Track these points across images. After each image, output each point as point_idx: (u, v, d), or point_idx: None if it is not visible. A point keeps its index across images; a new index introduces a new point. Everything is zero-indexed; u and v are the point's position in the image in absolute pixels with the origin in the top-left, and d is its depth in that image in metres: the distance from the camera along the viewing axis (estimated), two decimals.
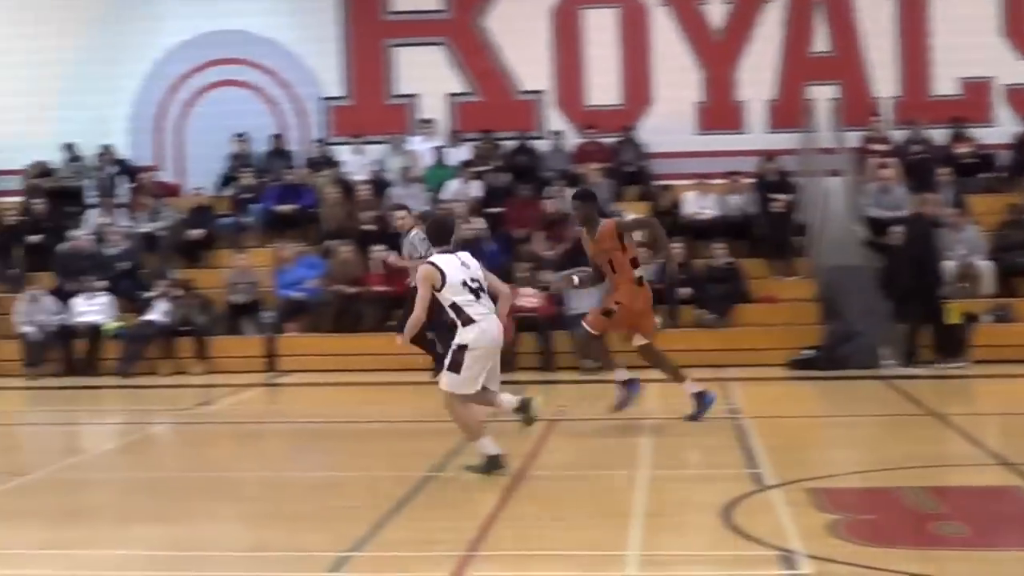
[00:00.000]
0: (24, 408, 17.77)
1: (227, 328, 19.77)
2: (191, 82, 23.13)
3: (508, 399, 10.39)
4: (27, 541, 8.65)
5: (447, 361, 10.20)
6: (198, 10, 22.97)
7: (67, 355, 19.45)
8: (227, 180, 22.39)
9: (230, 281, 20.12)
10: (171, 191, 22.55)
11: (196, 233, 21.19)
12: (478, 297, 10.15)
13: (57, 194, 21.93)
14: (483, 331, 10.06)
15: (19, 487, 10.61)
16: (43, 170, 22.38)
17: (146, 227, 21.22)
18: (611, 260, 12.44)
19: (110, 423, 15.84)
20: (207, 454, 12.68)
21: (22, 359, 19.40)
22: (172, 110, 23.20)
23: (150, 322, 19.31)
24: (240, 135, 22.49)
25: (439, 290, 10.05)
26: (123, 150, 22.78)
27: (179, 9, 23.05)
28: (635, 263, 12.50)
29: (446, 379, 10.17)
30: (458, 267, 10.12)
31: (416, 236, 14.30)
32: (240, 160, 22.43)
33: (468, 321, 10.07)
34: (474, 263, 10.30)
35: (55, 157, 22.59)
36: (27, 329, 19.40)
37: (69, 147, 22.58)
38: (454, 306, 10.09)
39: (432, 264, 10.12)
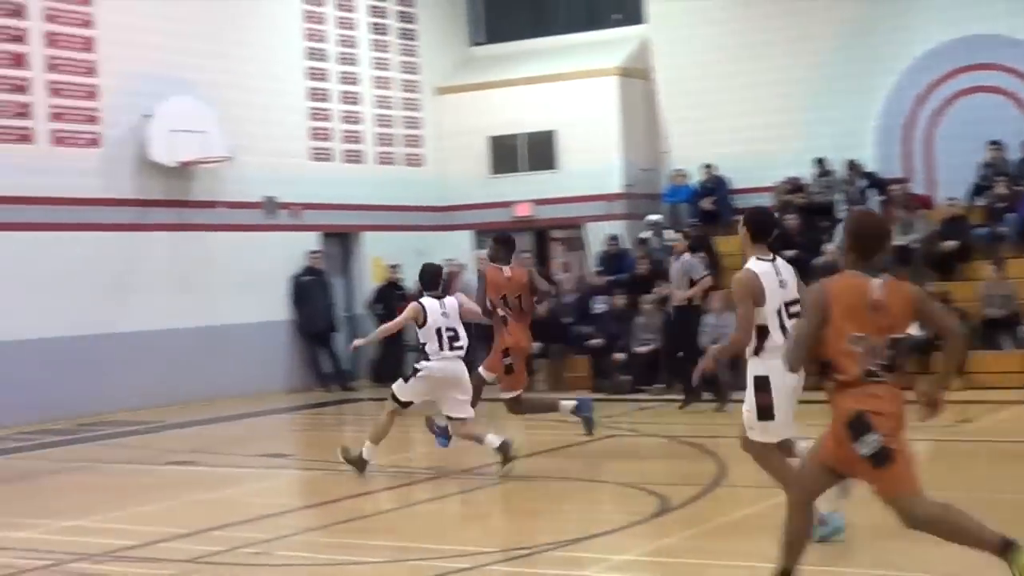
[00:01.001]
0: None
1: (984, 342, 19.11)
2: (939, 90, 22.66)
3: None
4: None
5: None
6: (948, 16, 22.48)
7: None
8: (980, 189, 21.69)
9: (985, 294, 19.44)
10: (923, 203, 22.13)
11: (949, 245, 20.65)
12: None
13: (808, 209, 22.20)
14: None
15: (779, 503, 10.77)
16: (795, 186, 22.77)
17: (899, 240, 20.98)
18: None
19: None
20: (963, 473, 12.25)
21: None
22: (920, 120, 22.83)
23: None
24: (994, 143, 21.70)
25: None
26: (870, 163, 22.71)
27: (929, 16, 22.69)
28: None
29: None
30: None
31: None
32: (994, 168, 21.64)
33: None
34: None
35: (805, 172, 22.92)
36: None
37: (819, 162, 22.83)
38: None
39: None
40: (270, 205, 22.63)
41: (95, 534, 10.34)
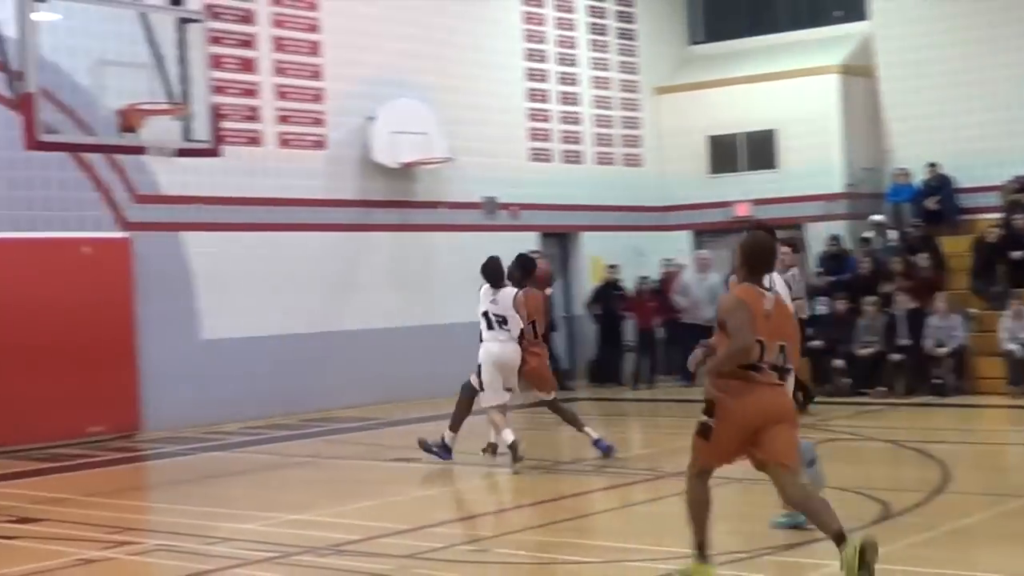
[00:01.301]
0: (1007, 427, 17.61)
1: None
2: None
3: None
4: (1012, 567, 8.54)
5: None
6: None
7: None
8: None
9: None
10: None
11: None
12: None
13: None
14: None
15: (1008, 511, 10.54)
16: (1022, 184, 22.07)
17: None
18: None
19: None
20: None
21: (1005, 377, 19.25)
22: None
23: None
24: None
25: None
26: None
27: None
28: None
29: None
30: None
31: None
32: None
33: None
34: None
35: None
36: (1011, 347, 19.22)
37: None
38: None
39: None
40: (490, 205, 22.87)
41: (318, 527, 10.58)
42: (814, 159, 24.16)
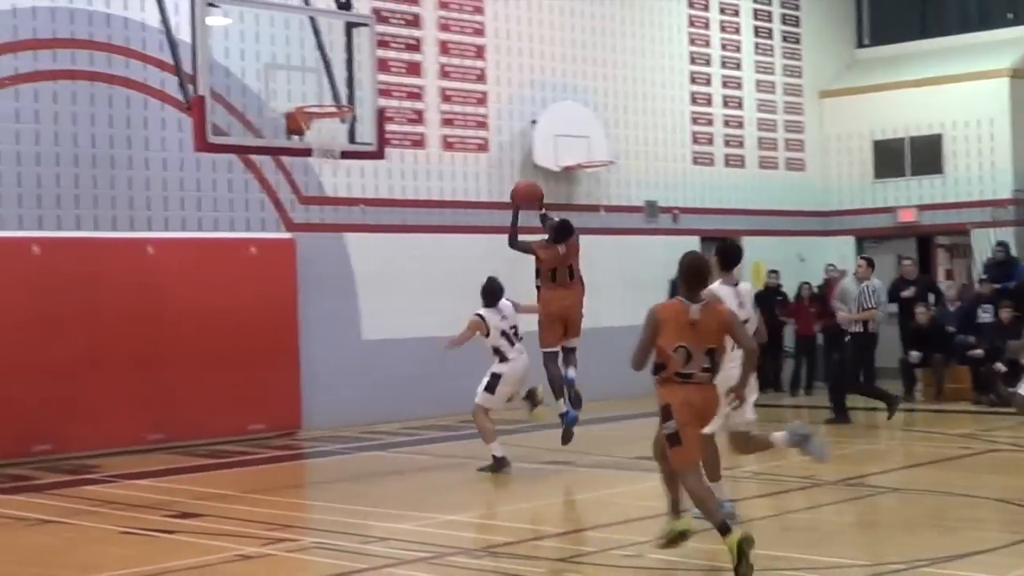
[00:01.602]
0: None
1: None
2: None
3: None
4: None
5: None
6: None
7: None
8: None
9: None
10: None
11: None
12: None
13: None
14: None
15: None
16: None
17: None
18: None
19: None
20: None
21: None
22: None
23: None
24: None
25: None
26: None
27: None
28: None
29: None
30: None
31: None
32: None
33: None
34: None
35: None
36: None
37: None
38: None
39: None
40: (651, 209, 22.83)
41: (473, 529, 10.71)
42: (982, 164, 23.71)
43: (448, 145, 20.23)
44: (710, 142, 24.11)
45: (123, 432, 16.01)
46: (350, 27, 15.73)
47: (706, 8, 24.14)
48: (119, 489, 13.36)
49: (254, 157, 17.71)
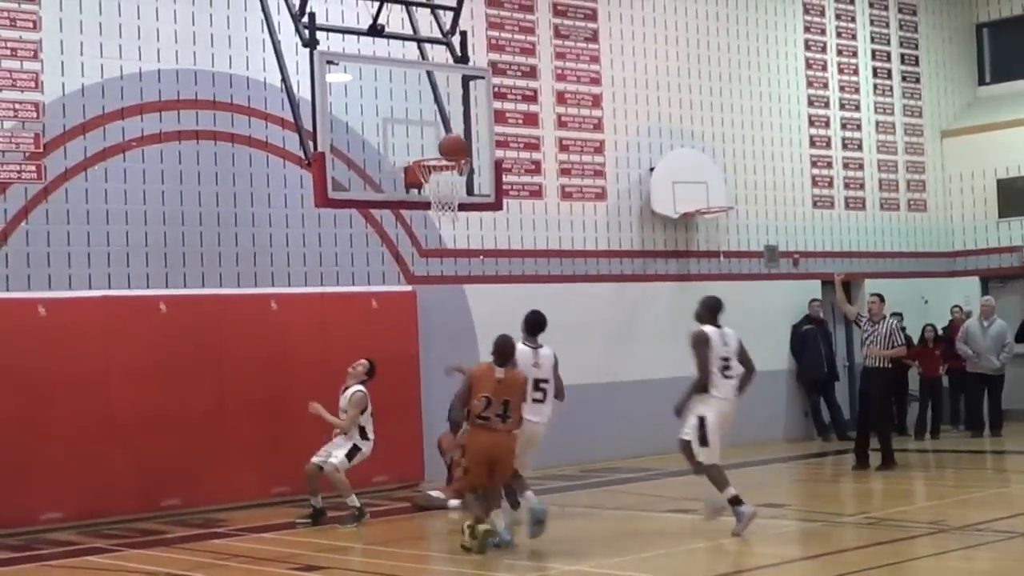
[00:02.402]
0: None
1: None
2: None
3: None
4: None
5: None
6: None
7: None
8: None
9: None
10: None
11: None
12: None
13: None
14: None
15: None
16: None
17: None
18: None
19: None
20: None
21: None
22: None
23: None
24: None
25: None
26: None
27: None
28: None
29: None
30: None
31: None
32: None
33: None
34: None
35: None
36: None
37: None
38: None
39: None
40: (771, 254, 22.71)
41: None
42: None
43: (566, 195, 20.33)
44: (830, 185, 23.94)
45: (248, 485, 16.25)
46: (467, 80, 15.92)
47: (823, 51, 24.03)
48: (245, 543, 13.56)
49: (374, 211, 17.95)
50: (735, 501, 12.63)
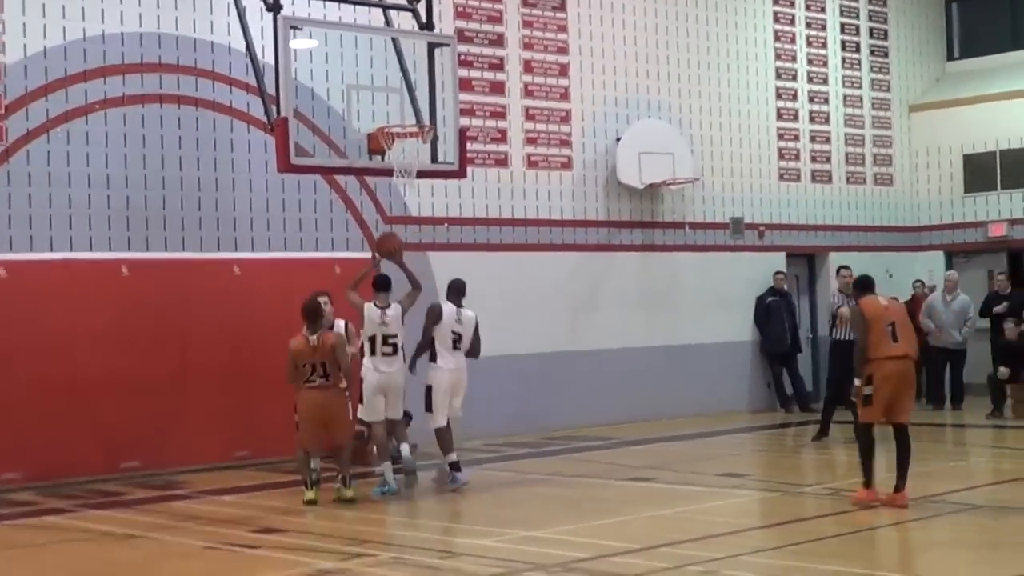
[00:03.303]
0: None
1: None
2: None
3: None
4: None
5: None
6: None
7: None
8: None
9: None
10: None
11: None
12: None
13: None
14: None
15: None
16: None
17: None
18: None
19: None
20: None
21: None
22: None
23: None
24: None
25: None
26: None
27: None
28: None
29: None
30: None
31: None
32: None
33: None
34: None
35: None
36: None
37: None
38: None
39: None
40: (736, 225, 22.75)
41: (550, 545, 10.72)
42: None
43: (532, 164, 20.30)
44: (796, 158, 23.98)
45: (210, 449, 16.22)
46: (432, 47, 15.87)
47: (792, 23, 24.04)
48: (204, 505, 13.54)
49: (338, 177, 17.89)
50: (454, 467, 14.04)
